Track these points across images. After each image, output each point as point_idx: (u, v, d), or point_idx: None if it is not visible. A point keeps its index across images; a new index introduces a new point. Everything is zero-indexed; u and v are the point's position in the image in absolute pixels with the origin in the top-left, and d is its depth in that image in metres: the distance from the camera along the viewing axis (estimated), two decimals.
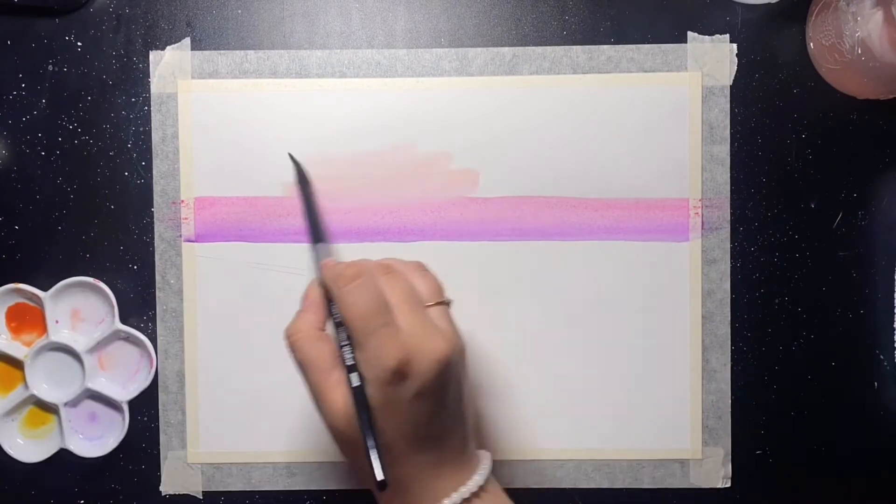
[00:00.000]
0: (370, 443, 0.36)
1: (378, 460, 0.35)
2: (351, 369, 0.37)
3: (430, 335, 0.37)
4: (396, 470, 0.37)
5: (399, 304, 0.37)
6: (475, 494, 0.38)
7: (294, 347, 0.39)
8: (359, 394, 0.36)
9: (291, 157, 0.48)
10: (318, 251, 0.43)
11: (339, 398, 0.37)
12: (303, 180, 0.47)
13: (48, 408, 0.51)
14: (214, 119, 0.50)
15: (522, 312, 0.50)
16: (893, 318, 0.50)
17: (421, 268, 0.40)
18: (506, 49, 0.50)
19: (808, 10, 0.49)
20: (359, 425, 0.36)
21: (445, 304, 0.39)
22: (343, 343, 0.38)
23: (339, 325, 0.38)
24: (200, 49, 0.50)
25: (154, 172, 0.50)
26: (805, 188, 0.50)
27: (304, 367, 0.38)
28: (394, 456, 0.37)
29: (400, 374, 0.35)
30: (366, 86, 0.50)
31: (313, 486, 0.51)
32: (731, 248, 0.50)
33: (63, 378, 0.51)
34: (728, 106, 0.50)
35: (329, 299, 0.39)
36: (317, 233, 0.44)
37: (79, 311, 0.51)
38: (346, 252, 0.50)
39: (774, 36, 0.50)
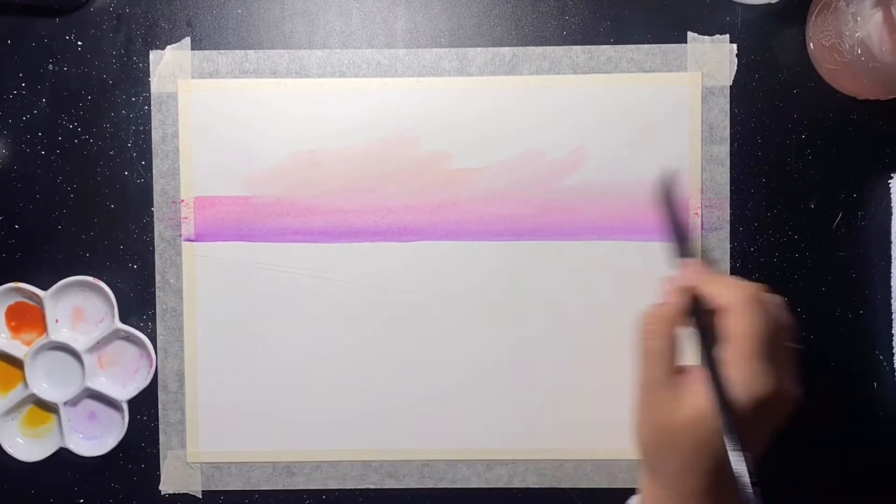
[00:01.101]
0: (736, 447, 0.35)
1: (746, 466, 0.34)
2: (713, 375, 0.36)
3: (793, 377, 0.37)
4: (692, 483, 0.37)
5: (774, 340, 0.36)
6: None
7: (650, 336, 0.39)
8: (726, 398, 0.36)
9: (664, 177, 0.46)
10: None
11: (688, 401, 0.36)
12: (668, 196, 0.45)
13: (48, 407, 0.51)
14: (214, 119, 0.50)
15: (522, 312, 0.50)
16: (892, 318, 0.50)
17: (784, 305, 0.39)
18: (506, 49, 0.50)
19: (808, 10, 0.49)
20: (722, 429, 0.35)
21: (797, 348, 0.39)
22: (708, 351, 0.37)
23: (705, 332, 0.38)
24: (200, 49, 0.50)
25: (154, 172, 0.50)
26: (805, 188, 0.50)
27: (649, 356, 0.38)
28: (718, 460, 0.36)
29: (765, 405, 0.35)
30: (366, 86, 0.50)
31: (313, 486, 0.51)
32: (730, 248, 0.50)
33: (63, 377, 0.51)
34: (728, 106, 0.50)
35: (695, 311, 0.39)
36: (683, 245, 0.43)
37: (79, 310, 0.51)
38: (347, 252, 0.50)
39: (774, 36, 0.50)
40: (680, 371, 0.38)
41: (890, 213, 0.50)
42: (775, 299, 0.39)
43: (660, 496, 0.39)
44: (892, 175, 0.50)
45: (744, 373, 0.36)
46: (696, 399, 0.36)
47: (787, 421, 0.38)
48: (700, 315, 0.39)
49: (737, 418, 0.35)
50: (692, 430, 0.36)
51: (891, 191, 0.49)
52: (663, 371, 0.38)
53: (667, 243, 0.43)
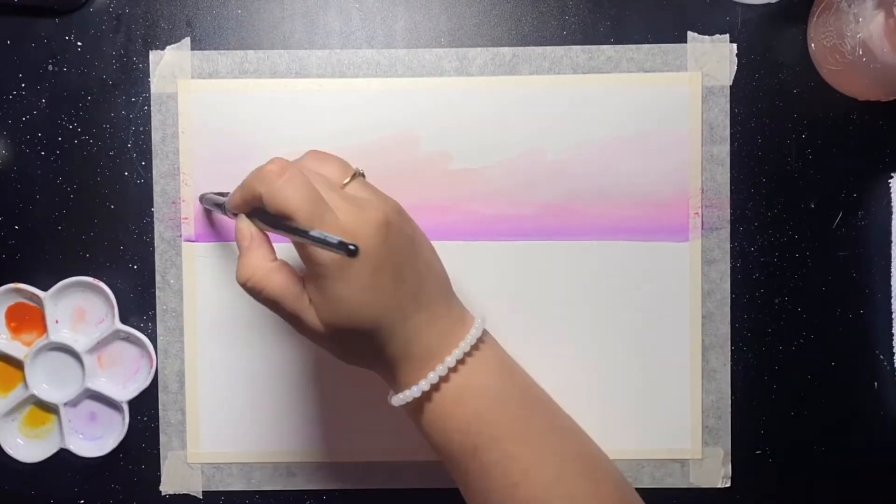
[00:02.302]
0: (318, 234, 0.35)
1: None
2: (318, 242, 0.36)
3: (361, 210, 0.37)
4: (394, 342, 0.38)
5: (322, 191, 0.37)
6: (474, 347, 0.40)
7: (258, 288, 0.38)
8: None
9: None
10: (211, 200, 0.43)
11: (323, 287, 0.37)
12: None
13: (48, 408, 0.51)
14: (214, 119, 0.50)
15: (522, 312, 0.50)
16: (892, 318, 0.50)
17: (318, 155, 0.40)
18: (506, 49, 0.50)
19: (810, 10, 0.49)
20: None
21: (358, 175, 0.39)
22: (296, 232, 0.36)
23: (280, 223, 0.37)
24: (200, 49, 0.50)
25: (154, 172, 0.50)
26: (805, 188, 0.50)
27: (275, 301, 0.38)
28: (386, 331, 0.38)
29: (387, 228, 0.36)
30: (366, 86, 0.50)
31: (313, 486, 0.51)
32: (731, 248, 0.50)
33: (63, 378, 0.51)
34: (728, 106, 0.50)
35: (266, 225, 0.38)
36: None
37: (79, 311, 0.51)
38: None
39: (774, 36, 0.50)
40: (290, 285, 0.38)
41: (890, 213, 0.50)
42: (298, 161, 0.39)
43: (387, 371, 0.40)
44: (892, 175, 0.50)
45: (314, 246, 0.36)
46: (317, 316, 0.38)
47: (407, 225, 0.39)
48: (261, 217, 0.38)
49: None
50: (331, 338, 0.38)
51: (891, 191, 0.49)
52: (296, 303, 0.38)
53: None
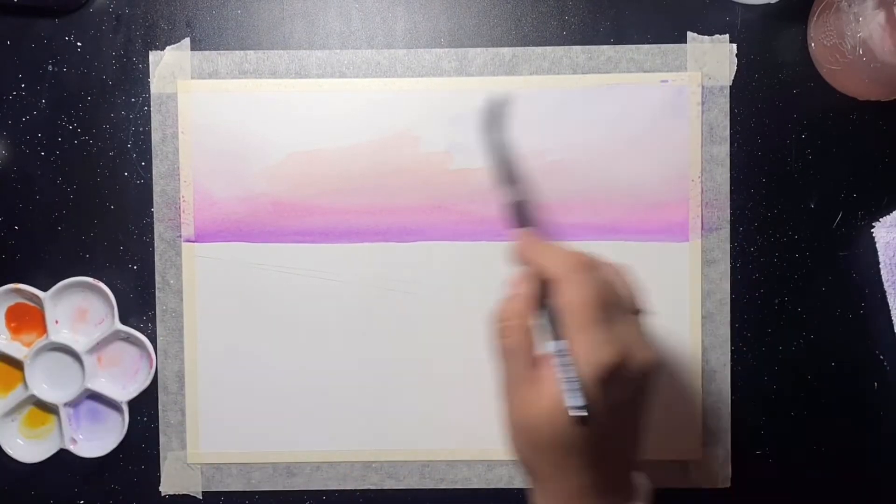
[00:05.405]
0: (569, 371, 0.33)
1: (579, 391, 0.33)
2: (562, 360, 0.34)
3: (643, 342, 0.35)
4: (572, 481, 0.35)
5: (624, 300, 0.35)
6: None
7: (504, 334, 0.37)
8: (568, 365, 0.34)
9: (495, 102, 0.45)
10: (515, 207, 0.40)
11: (546, 392, 0.35)
12: (493, 124, 0.43)
13: (48, 408, 0.51)
14: (214, 119, 0.50)
15: None
16: (891, 318, 0.50)
17: (624, 271, 0.38)
18: (506, 49, 0.50)
19: (810, 10, 0.49)
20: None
21: (643, 312, 0.37)
22: (551, 334, 0.35)
23: (547, 315, 0.36)
24: (200, 49, 0.50)
25: (154, 172, 0.50)
26: (805, 188, 0.50)
27: (507, 354, 0.37)
28: (548, 480, 0.36)
29: (615, 373, 0.33)
30: (366, 86, 0.50)
31: (313, 487, 0.51)
32: (730, 248, 0.50)
33: (63, 378, 0.51)
34: (728, 106, 0.50)
35: (544, 297, 0.37)
36: (510, 175, 0.40)
37: (79, 311, 0.51)
38: (346, 252, 0.50)
39: (774, 36, 0.50)
40: (538, 363, 0.36)
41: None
42: (607, 265, 0.37)
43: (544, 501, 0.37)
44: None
45: (583, 344, 0.34)
46: (541, 396, 0.35)
47: (650, 387, 0.36)
48: (549, 300, 0.37)
49: (585, 392, 0.33)
50: (532, 430, 0.35)
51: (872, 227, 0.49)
52: (523, 367, 0.36)
53: (501, 199, 0.40)
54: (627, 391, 0.35)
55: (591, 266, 0.36)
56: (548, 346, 0.35)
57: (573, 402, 0.33)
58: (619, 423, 0.35)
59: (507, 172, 0.41)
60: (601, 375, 0.33)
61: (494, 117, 0.44)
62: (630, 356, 0.34)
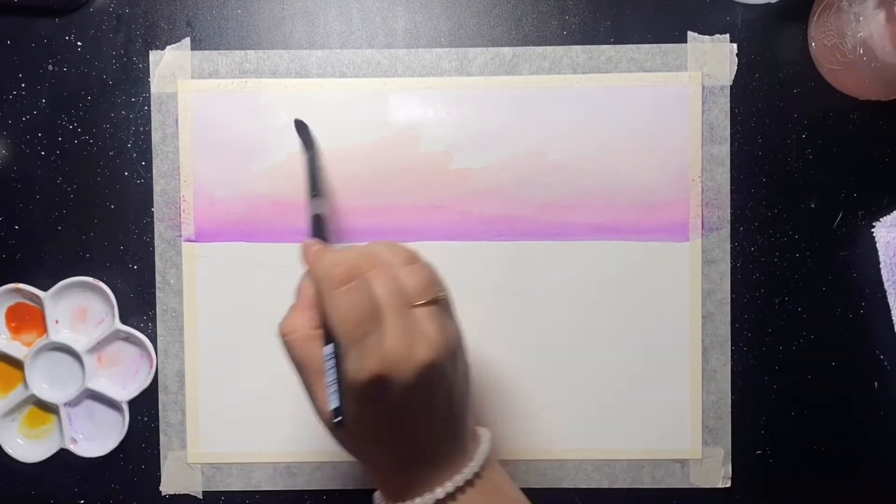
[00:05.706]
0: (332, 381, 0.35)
1: (337, 394, 0.34)
2: (328, 364, 0.36)
3: (414, 342, 0.34)
4: (393, 480, 0.37)
5: (385, 307, 0.34)
6: (469, 482, 0.37)
7: (288, 347, 0.37)
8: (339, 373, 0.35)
9: (297, 123, 0.47)
10: (314, 207, 0.41)
11: (322, 396, 0.36)
12: (307, 144, 0.45)
13: (48, 408, 0.51)
14: (214, 119, 0.50)
15: (522, 312, 0.50)
16: (891, 318, 0.50)
17: (411, 259, 0.37)
18: (506, 49, 0.50)
19: (811, 10, 0.49)
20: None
21: (434, 302, 0.36)
22: (329, 344, 0.36)
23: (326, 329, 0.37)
24: (200, 49, 0.50)
25: (154, 172, 0.50)
26: (805, 188, 0.50)
27: (298, 366, 0.37)
28: (386, 471, 0.37)
29: (375, 387, 0.34)
30: (366, 86, 0.50)
31: (313, 486, 0.51)
32: (731, 248, 0.50)
33: (63, 378, 0.51)
34: (728, 106, 0.50)
35: None
36: (314, 188, 0.42)
37: (79, 311, 0.51)
38: None
39: (774, 36, 0.50)
40: (319, 360, 0.37)
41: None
42: (387, 266, 0.36)
43: (379, 479, 0.39)
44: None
45: (345, 357, 0.35)
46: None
47: (440, 375, 0.35)
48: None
49: (342, 402, 0.34)
50: (328, 425, 0.37)
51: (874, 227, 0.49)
52: (315, 379, 0.36)
53: (306, 211, 0.41)
54: (401, 392, 0.35)
55: (359, 275, 0.35)
56: (325, 351, 0.36)
57: (332, 406, 0.35)
58: (410, 416, 0.36)
59: (313, 187, 0.43)
60: (357, 389, 0.34)
61: (302, 137, 0.46)
62: (394, 366, 0.34)
